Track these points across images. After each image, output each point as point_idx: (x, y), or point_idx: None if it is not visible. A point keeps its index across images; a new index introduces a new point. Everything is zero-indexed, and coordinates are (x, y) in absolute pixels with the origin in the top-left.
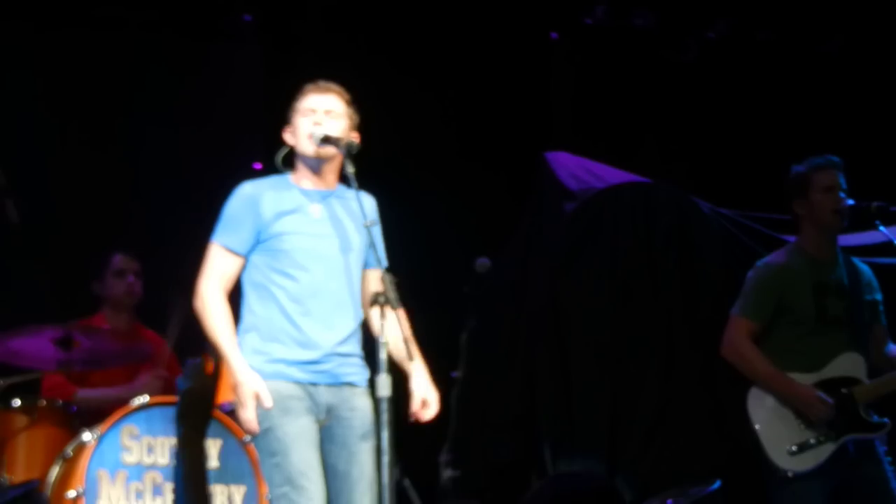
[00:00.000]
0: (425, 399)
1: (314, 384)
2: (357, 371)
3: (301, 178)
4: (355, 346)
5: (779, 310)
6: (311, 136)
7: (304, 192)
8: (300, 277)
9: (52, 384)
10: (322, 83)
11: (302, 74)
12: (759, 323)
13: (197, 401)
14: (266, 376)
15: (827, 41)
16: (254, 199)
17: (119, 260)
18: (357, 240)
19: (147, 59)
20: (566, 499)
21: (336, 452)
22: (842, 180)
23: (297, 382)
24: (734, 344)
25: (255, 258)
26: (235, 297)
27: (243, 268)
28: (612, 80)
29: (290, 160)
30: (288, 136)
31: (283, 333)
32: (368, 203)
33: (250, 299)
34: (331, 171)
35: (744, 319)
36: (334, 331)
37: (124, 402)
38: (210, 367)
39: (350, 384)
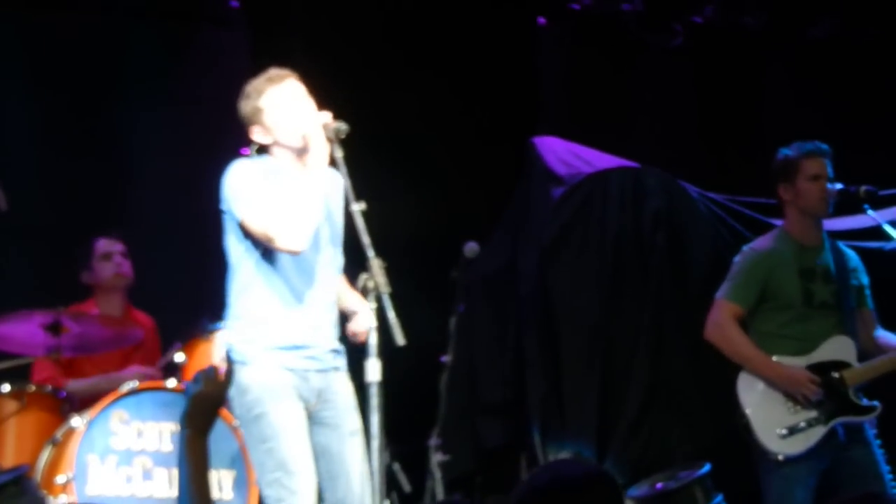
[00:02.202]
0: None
1: (306, 371)
2: (340, 356)
3: (286, 162)
4: (336, 333)
5: (765, 295)
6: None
7: (296, 177)
8: (289, 268)
9: (43, 378)
10: (275, 73)
11: (288, 60)
12: (744, 307)
13: (205, 407)
14: (260, 364)
15: (815, 25)
16: (269, 174)
17: (103, 243)
18: (339, 222)
19: (134, 45)
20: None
21: (328, 434)
22: (829, 168)
23: (291, 370)
24: (719, 326)
25: (241, 247)
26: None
27: (233, 252)
28: (600, 65)
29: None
30: (259, 136)
31: (278, 321)
32: (341, 184)
33: (241, 286)
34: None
35: (729, 303)
36: (325, 318)
37: (114, 389)
38: (221, 374)
39: (335, 369)
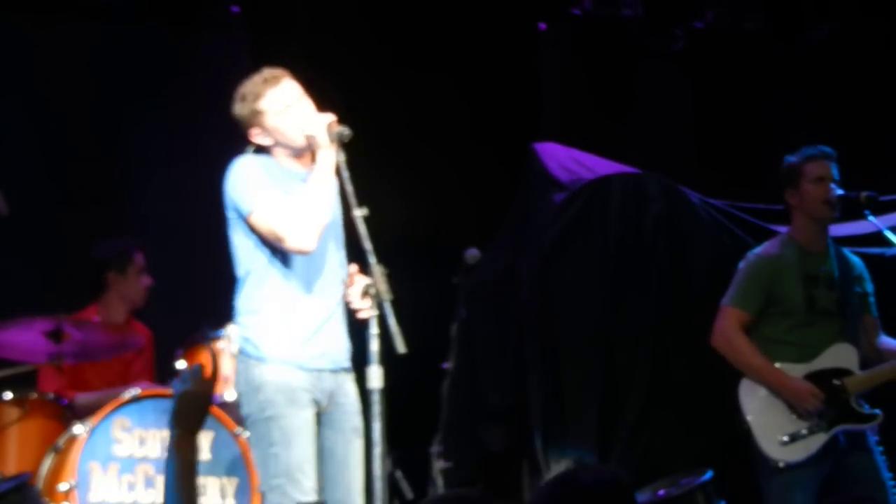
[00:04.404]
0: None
1: (320, 370)
2: (348, 355)
3: (286, 161)
4: (346, 331)
5: (769, 301)
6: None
7: (297, 175)
8: (301, 263)
9: (50, 389)
10: (270, 74)
11: (289, 65)
12: (750, 314)
13: (193, 406)
14: (276, 363)
15: (815, 29)
16: (272, 172)
17: (141, 259)
18: (338, 218)
19: (135, 50)
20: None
21: (334, 438)
22: (834, 171)
23: (306, 370)
24: (725, 334)
25: (250, 242)
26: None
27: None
28: (599, 71)
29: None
30: (260, 138)
31: (289, 320)
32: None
33: (251, 285)
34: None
35: (734, 310)
36: (332, 315)
37: None
38: (208, 372)
39: (346, 369)
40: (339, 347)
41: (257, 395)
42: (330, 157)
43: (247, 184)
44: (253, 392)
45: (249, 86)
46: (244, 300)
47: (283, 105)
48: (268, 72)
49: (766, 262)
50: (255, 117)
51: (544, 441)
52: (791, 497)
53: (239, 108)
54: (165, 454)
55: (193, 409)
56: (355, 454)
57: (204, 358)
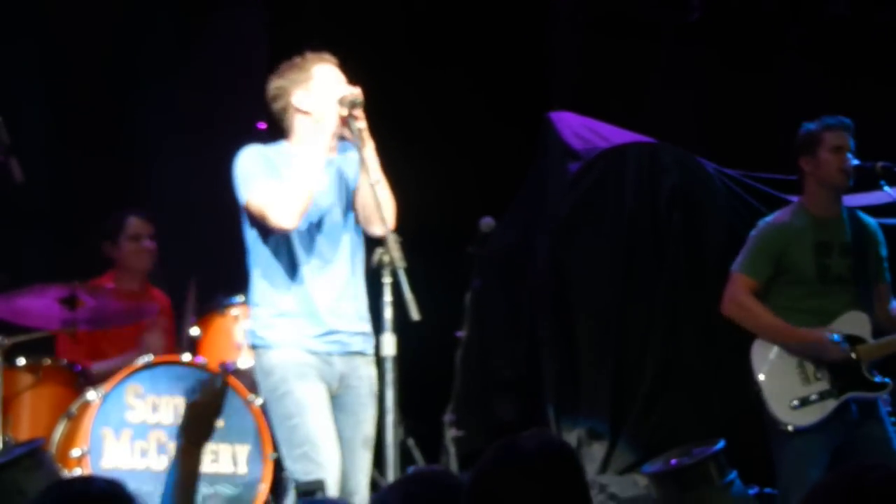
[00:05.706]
0: None
1: (329, 354)
2: (365, 339)
3: (300, 144)
4: (363, 314)
5: (780, 269)
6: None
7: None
8: (310, 251)
9: (67, 356)
10: (326, 55)
11: (306, 40)
12: (758, 280)
13: (201, 417)
14: (282, 346)
15: (833, 3)
16: (270, 161)
17: (134, 223)
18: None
19: (152, 26)
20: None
21: (343, 420)
22: (851, 143)
23: (313, 353)
24: (735, 299)
25: (253, 233)
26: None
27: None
28: (614, 44)
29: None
30: (300, 100)
31: (298, 307)
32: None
33: (259, 273)
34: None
35: (743, 276)
36: (347, 299)
37: None
38: (218, 385)
39: (360, 353)
40: (352, 331)
41: (270, 378)
42: (324, 138)
43: (242, 176)
44: (265, 377)
45: (306, 55)
46: (253, 292)
47: (328, 79)
48: (324, 54)
49: (775, 229)
50: (307, 82)
51: (557, 412)
52: (804, 467)
53: (293, 73)
54: (169, 462)
55: (201, 420)
56: (362, 434)
57: (237, 338)
